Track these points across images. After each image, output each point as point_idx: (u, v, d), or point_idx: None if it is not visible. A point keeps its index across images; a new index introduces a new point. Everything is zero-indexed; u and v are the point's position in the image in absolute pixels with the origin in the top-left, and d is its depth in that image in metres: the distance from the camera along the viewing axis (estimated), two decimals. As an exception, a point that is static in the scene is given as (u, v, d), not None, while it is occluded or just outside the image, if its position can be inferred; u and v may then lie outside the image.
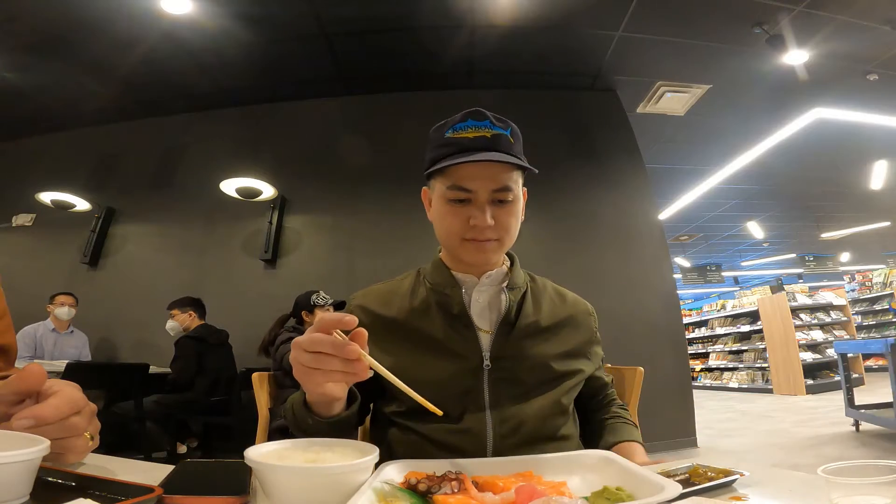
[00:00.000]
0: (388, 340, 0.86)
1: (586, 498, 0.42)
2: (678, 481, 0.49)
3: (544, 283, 0.98)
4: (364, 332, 0.57)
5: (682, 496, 0.45)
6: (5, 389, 0.51)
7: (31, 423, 0.47)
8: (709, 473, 0.51)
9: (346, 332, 0.57)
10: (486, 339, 0.85)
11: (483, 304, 0.87)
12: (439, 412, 0.57)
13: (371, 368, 0.57)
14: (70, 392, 0.53)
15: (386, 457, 0.81)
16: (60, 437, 0.50)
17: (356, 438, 0.83)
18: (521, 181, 0.85)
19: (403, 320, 0.87)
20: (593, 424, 0.94)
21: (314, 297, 2.79)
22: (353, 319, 0.55)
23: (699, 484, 0.48)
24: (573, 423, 0.90)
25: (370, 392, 0.86)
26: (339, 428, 0.69)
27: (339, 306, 2.74)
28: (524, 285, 0.92)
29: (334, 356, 0.55)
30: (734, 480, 0.50)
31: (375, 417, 0.93)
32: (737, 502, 0.44)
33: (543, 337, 0.88)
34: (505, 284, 0.89)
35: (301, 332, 0.64)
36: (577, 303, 0.98)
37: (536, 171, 0.82)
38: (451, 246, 0.86)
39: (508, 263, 0.94)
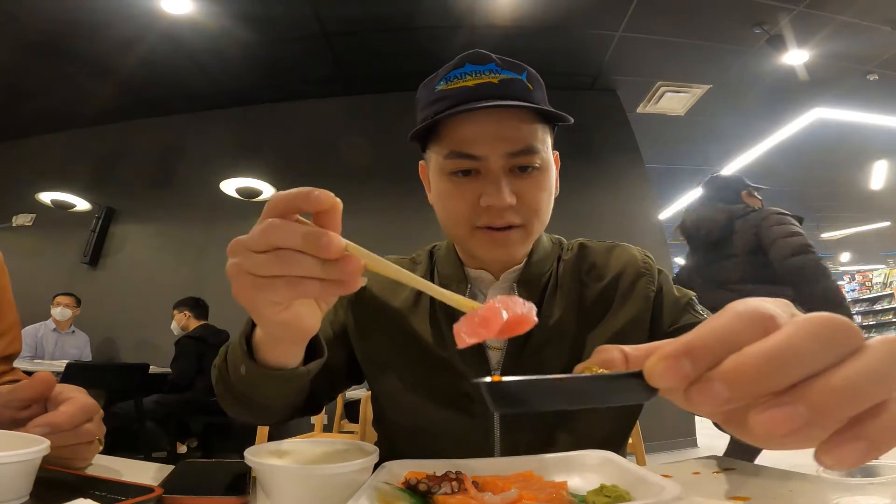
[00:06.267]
0: (380, 342, 0.67)
1: (583, 497, 0.42)
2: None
3: (572, 256, 0.72)
4: (339, 208, 0.36)
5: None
6: (14, 395, 0.52)
7: (46, 431, 0.47)
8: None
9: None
10: (496, 357, 0.64)
11: None
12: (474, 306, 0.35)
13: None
14: (83, 399, 0.53)
15: (387, 452, 0.76)
16: (73, 444, 0.50)
17: (312, 411, 0.68)
18: (549, 141, 0.64)
19: (403, 319, 0.66)
20: None
21: None
22: (325, 194, 0.35)
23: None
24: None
25: (337, 375, 0.65)
26: (283, 390, 0.49)
27: None
28: (546, 274, 0.67)
29: (305, 254, 0.33)
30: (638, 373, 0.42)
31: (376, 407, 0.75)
32: (739, 502, 0.44)
33: (574, 338, 0.64)
34: (515, 279, 0.66)
35: None
36: (615, 259, 0.70)
37: (571, 121, 0.61)
38: (459, 237, 0.64)
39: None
